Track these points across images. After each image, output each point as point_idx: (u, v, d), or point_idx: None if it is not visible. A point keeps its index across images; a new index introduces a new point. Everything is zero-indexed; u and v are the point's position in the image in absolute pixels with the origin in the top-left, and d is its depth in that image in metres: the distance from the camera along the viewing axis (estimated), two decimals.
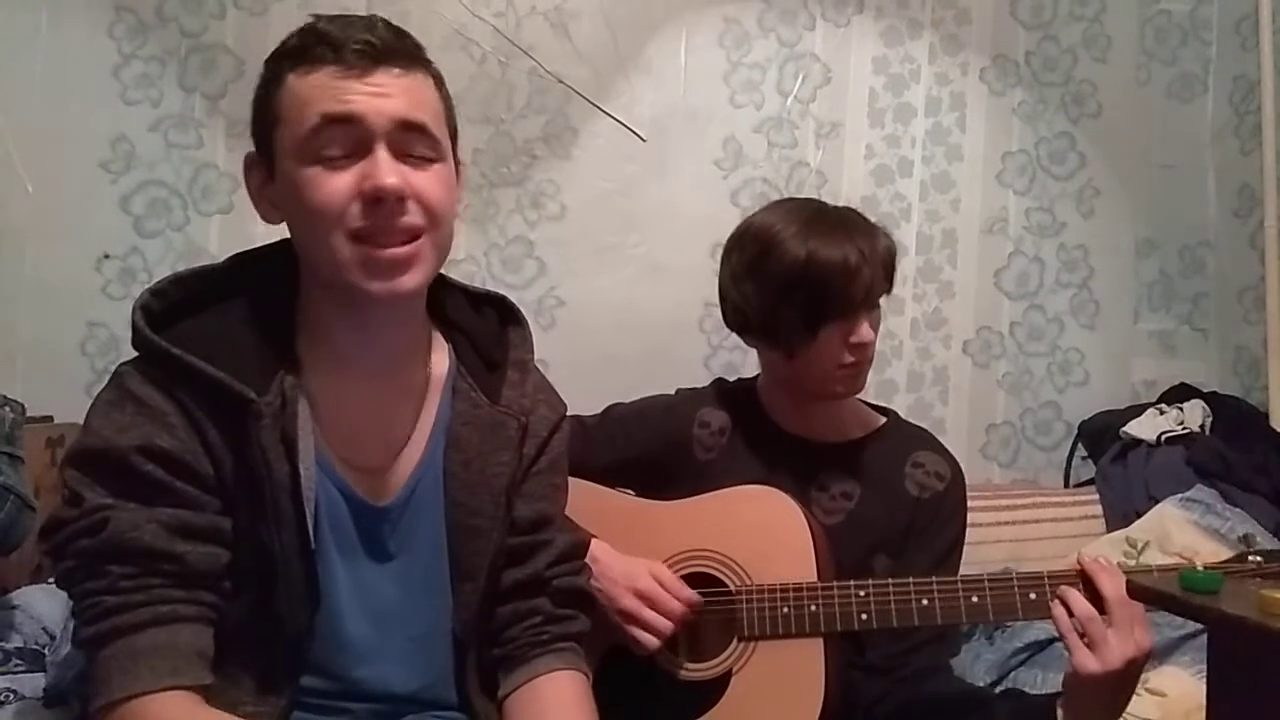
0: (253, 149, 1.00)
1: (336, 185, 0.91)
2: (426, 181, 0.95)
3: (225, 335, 0.96)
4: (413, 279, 0.95)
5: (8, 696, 1.36)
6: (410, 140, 0.94)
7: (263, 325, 0.98)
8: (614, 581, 1.25)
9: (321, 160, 0.91)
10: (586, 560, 1.21)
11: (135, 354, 0.97)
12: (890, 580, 1.25)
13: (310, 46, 0.93)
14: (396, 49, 0.95)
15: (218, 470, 0.93)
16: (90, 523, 0.88)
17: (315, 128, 0.91)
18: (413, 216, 0.93)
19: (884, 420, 1.47)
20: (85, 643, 0.89)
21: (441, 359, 1.09)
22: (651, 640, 1.24)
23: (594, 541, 1.28)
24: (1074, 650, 1.13)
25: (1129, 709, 1.55)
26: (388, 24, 0.97)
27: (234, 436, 0.93)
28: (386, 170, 0.91)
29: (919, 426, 1.52)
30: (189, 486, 0.91)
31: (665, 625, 1.24)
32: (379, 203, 0.91)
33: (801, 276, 1.31)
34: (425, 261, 0.96)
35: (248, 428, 0.93)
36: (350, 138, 0.91)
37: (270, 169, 0.97)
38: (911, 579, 1.24)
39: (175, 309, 0.97)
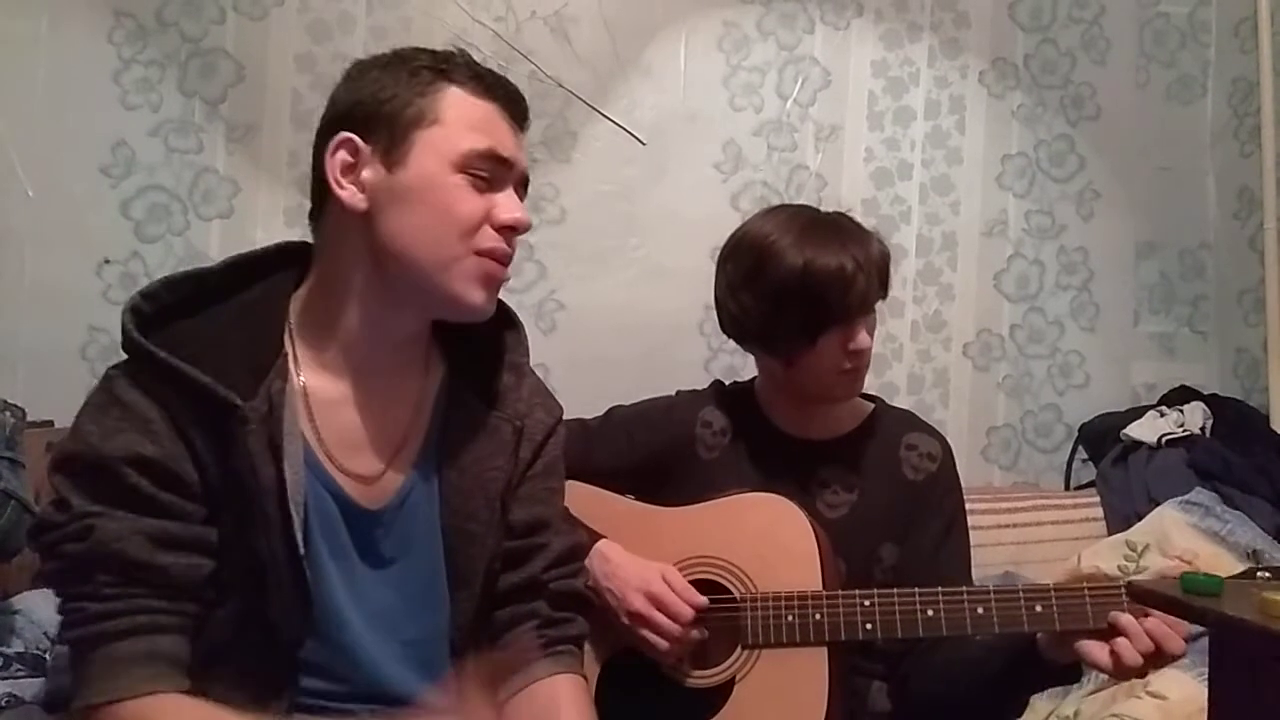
0: (349, 136, 0.99)
1: (478, 205, 1.00)
2: None
3: (215, 338, 0.96)
4: (496, 301, 1.06)
5: (9, 701, 1.36)
6: (521, 192, 1.06)
7: (255, 328, 0.99)
8: (625, 582, 1.25)
9: (469, 175, 1.00)
10: (596, 560, 1.22)
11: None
12: (895, 590, 1.25)
13: (480, 75, 1.03)
14: (528, 116, 1.08)
15: (203, 476, 0.93)
16: (77, 529, 0.90)
17: (482, 152, 1.00)
18: (514, 252, 1.05)
19: (872, 407, 1.48)
20: (69, 643, 0.92)
21: (437, 363, 1.10)
22: (662, 643, 1.24)
23: (606, 542, 1.28)
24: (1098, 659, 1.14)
25: (1129, 712, 1.56)
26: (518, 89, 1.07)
27: (220, 441, 0.93)
28: (522, 208, 1.04)
29: (903, 409, 1.54)
30: (173, 496, 0.92)
31: (674, 629, 1.24)
32: (513, 231, 1.03)
33: (798, 286, 1.31)
34: None
35: (233, 432, 0.93)
36: (496, 172, 1.02)
37: (392, 158, 0.98)
38: (917, 590, 1.24)
39: (167, 311, 0.98)
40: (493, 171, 1.01)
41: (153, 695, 0.89)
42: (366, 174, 0.99)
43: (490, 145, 1.00)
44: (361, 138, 0.99)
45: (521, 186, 1.06)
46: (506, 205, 1.01)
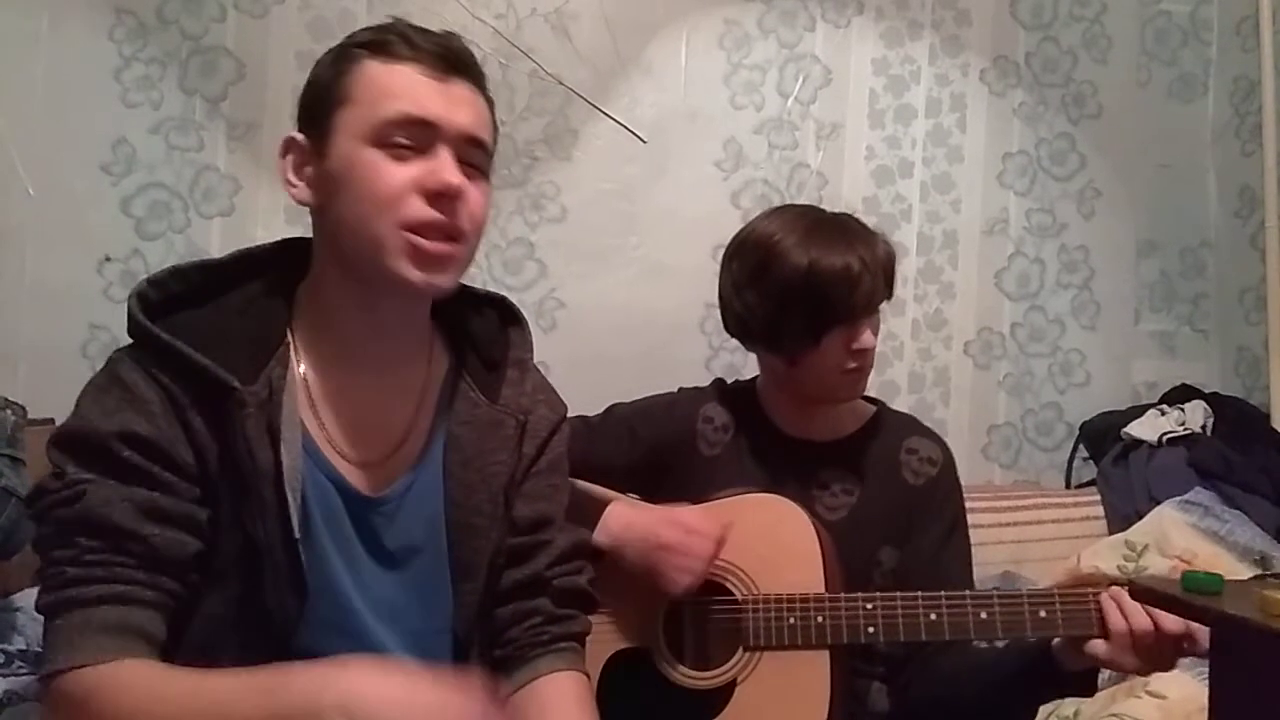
0: (293, 135, 1.00)
1: (398, 175, 0.95)
2: (475, 192, 1.00)
3: (219, 326, 0.98)
4: (449, 278, 1.00)
5: (10, 699, 1.36)
6: (469, 152, 0.99)
7: (259, 317, 1.00)
8: (648, 525, 1.25)
9: (387, 147, 0.95)
10: (611, 520, 1.22)
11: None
12: (898, 594, 1.25)
13: (393, 40, 0.98)
14: (469, 64, 1.01)
15: (200, 459, 0.94)
16: (69, 494, 0.91)
17: (392, 120, 0.95)
18: (461, 220, 0.98)
19: (874, 409, 1.48)
20: (43, 608, 0.91)
21: (441, 358, 1.10)
22: (696, 567, 1.23)
23: (615, 504, 1.28)
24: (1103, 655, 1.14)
25: (1129, 712, 1.56)
26: (461, 41, 1.01)
27: (219, 425, 0.94)
28: (451, 170, 0.96)
29: (904, 412, 1.54)
30: (166, 473, 0.93)
31: (709, 550, 1.24)
32: (441, 197, 0.95)
33: (804, 285, 1.31)
34: (459, 265, 1.01)
35: (232, 416, 0.94)
36: (420, 136, 0.96)
37: (320, 147, 0.98)
38: (920, 593, 1.24)
39: (173, 300, 0.99)
40: (414, 136, 0.95)
41: (117, 662, 0.87)
42: (308, 169, 1.00)
43: (401, 109, 0.95)
44: (304, 133, 1.00)
45: (467, 145, 0.98)
46: (432, 169, 0.95)
